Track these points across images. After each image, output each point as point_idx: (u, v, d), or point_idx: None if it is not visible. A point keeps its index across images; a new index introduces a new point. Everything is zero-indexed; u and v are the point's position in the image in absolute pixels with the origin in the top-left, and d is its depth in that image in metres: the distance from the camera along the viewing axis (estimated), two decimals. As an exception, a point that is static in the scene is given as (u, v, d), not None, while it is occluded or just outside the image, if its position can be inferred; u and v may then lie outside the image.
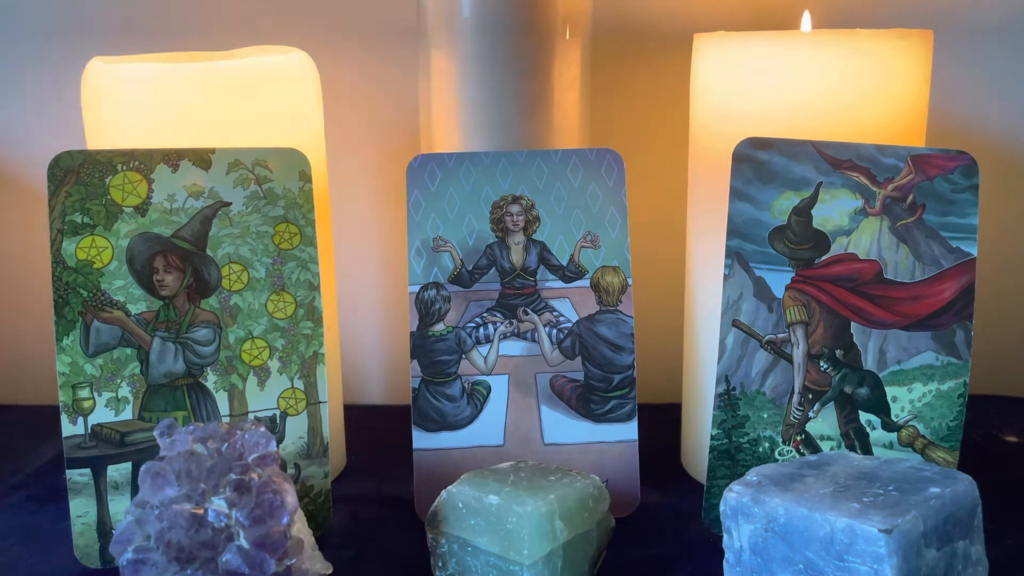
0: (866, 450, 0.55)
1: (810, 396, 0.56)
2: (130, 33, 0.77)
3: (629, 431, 0.59)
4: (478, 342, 0.60)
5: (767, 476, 0.47)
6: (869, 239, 0.55)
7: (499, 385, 0.60)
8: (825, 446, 0.56)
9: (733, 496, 0.47)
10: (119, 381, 0.55)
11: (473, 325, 0.60)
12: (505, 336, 0.60)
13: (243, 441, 0.48)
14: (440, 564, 0.52)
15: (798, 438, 0.56)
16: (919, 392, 0.54)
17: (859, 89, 0.56)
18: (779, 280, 0.56)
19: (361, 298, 0.81)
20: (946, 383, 0.54)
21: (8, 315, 0.82)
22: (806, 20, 0.63)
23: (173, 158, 0.55)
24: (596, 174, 0.60)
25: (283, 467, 0.56)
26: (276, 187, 0.56)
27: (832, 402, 0.55)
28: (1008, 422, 0.73)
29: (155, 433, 0.49)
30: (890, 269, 0.54)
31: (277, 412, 0.56)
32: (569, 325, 0.60)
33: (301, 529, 0.49)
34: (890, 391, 0.55)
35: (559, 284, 0.60)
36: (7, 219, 0.81)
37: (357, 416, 0.73)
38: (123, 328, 0.55)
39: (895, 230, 0.54)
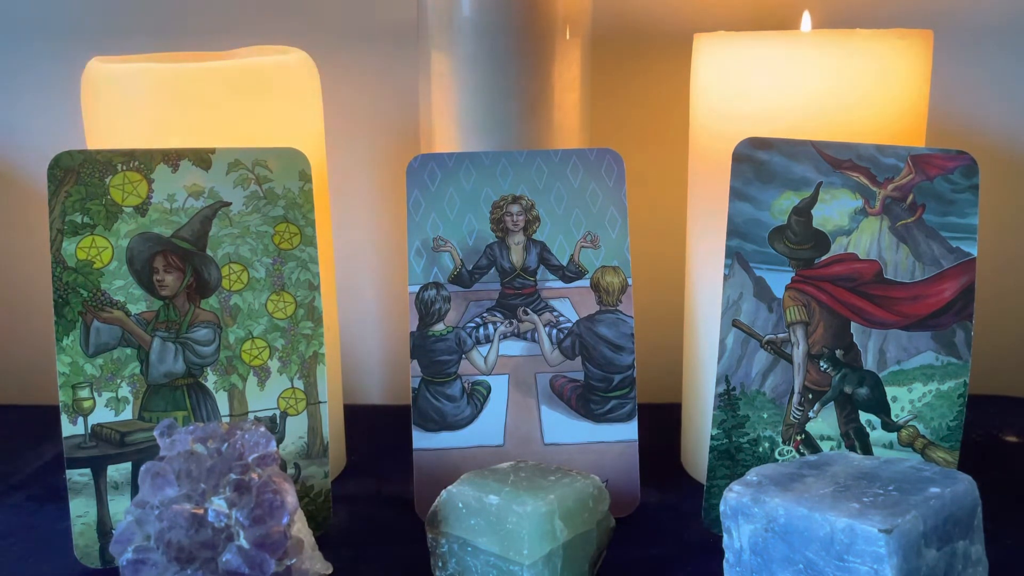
0: (866, 450, 0.55)
1: (810, 396, 0.56)
2: (130, 33, 0.77)
3: (629, 431, 0.59)
4: (478, 342, 0.60)
5: (767, 476, 0.47)
6: (869, 239, 0.55)
7: (499, 385, 0.60)
8: (825, 446, 0.56)
9: (733, 496, 0.47)
10: (119, 381, 0.55)
11: (473, 325, 0.60)
12: (505, 336, 0.60)
13: (243, 441, 0.48)
14: (440, 564, 0.52)
15: (798, 438, 0.56)
16: (919, 392, 0.54)
17: (859, 89, 0.56)
18: (779, 280, 0.56)
19: (361, 298, 0.81)
20: (946, 383, 0.54)
21: (8, 315, 0.82)
22: (806, 20, 0.63)
23: (173, 158, 0.55)
24: (596, 174, 0.60)
25: (283, 467, 0.56)
26: (276, 187, 0.56)
27: (832, 402, 0.55)
28: (1008, 422, 0.73)
29: (155, 433, 0.49)
30: (890, 269, 0.54)
31: (277, 412, 0.56)
32: (569, 325, 0.60)
33: (301, 529, 0.49)
34: (890, 391, 0.55)
35: (559, 284, 0.60)
36: (7, 219, 0.81)
37: (357, 416, 0.73)
38: (123, 328, 0.55)
39: (895, 230, 0.54)
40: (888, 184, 0.54)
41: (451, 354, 0.60)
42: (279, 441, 0.56)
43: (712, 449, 0.56)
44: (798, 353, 0.56)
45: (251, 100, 0.58)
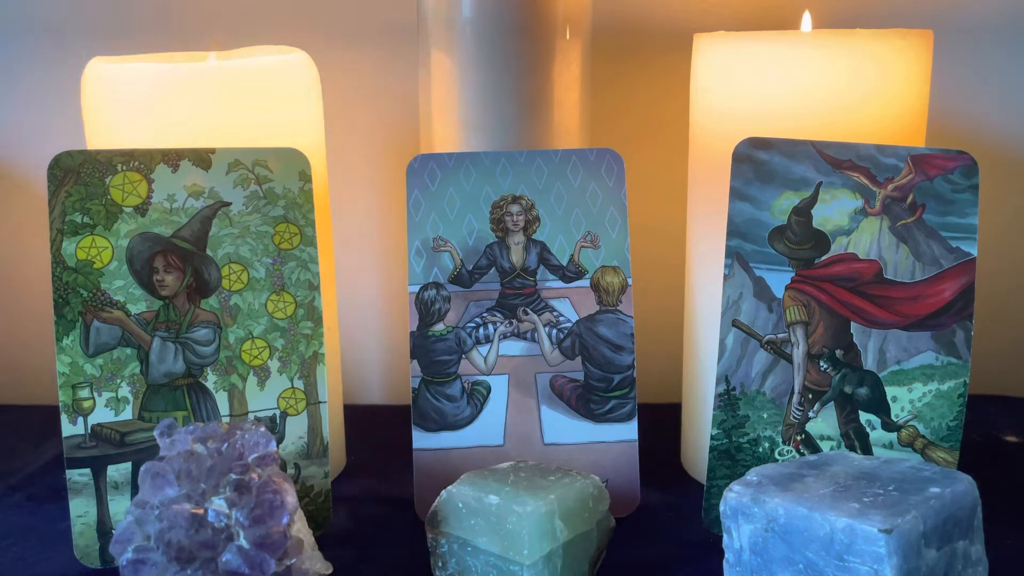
0: (866, 450, 0.55)
1: (810, 396, 0.56)
2: (130, 33, 0.77)
3: (629, 431, 0.59)
4: (478, 342, 0.60)
5: (767, 476, 0.47)
6: (869, 239, 0.55)
7: (499, 385, 0.60)
8: (825, 446, 0.56)
9: (733, 496, 0.47)
10: (119, 381, 0.55)
11: (473, 325, 0.60)
12: (505, 336, 0.60)
13: (243, 441, 0.48)
14: (440, 564, 0.52)
15: (798, 438, 0.56)
16: (919, 392, 0.54)
17: (859, 89, 0.56)
18: (779, 280, 0.56)
19: (361, 298, 0.81)
20: (946, 383, 0.54)
21: (8, 315, 0.82)
22: (806, 20, 0.63)
23: (173, 158, 0.55)
24: (596, 174, 0.60)
25: (283, 467, 0.56)
26: (276, 187, 0.56)
27: (832, 402, 0.55)
28: (1008, 422, 0.73)
29: (155, 433, 0.49)
30: (890, 269, 0.54)
31: (277, 412, 0.56)
32: (569, 325, 0.60)
33: (301, 529, 0.49)
34: (890, 391, 0.55)
35: (559, 284, 0.60)
36: (7, 219, 0.81)
37: (357, 416, 0.73)
38: (123, 328, 0.55)
39: (895, 230, 0.54)
40: (888, 184, 0.54)
41: (451, 354, 0.60)
42: (279, 441, 0.56)
43: (712, 449, 0.56)
44: (798, 353, 0.56)
45: (251, 100, 0.59)
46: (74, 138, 0.65)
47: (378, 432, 0.73)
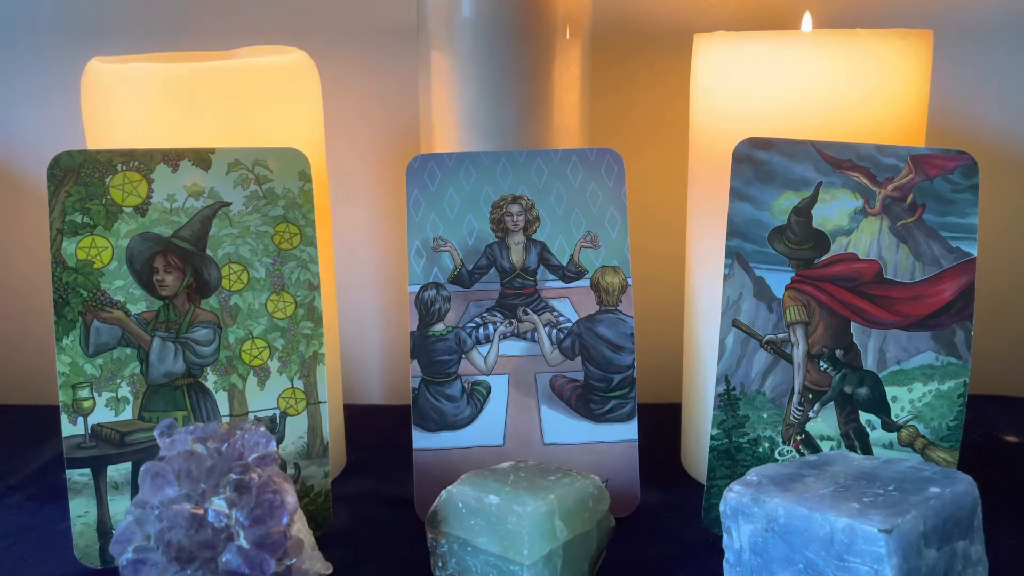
0: (866, 450, 0.55)
1: (810, 396, 0.56)
2: (130, 33, 0.77)
3: (629, 431, 0.59)
4: (478, 342, 0.60)
5: (767, 476, 0.47)
6: (869, 239, 0.55)
7: (499, 385, 0.60)
8: (825, 446, 0.56)
9: (733, 496, 0.47)
10: (119, 381, 0.55)
11: (473, 325, 0.60)
12: (505, 336, 0.60)
13: (243, 441, 0.48)
14: (440, 564, 0.52)
15: (798, 438, 0.56)
16: (919, 392, 0.54)
17: (859, 89, 0.56)
18: (779, 280, 0.56)
19: (361, 298, 0.81)
20: (946, 383, 0.54)
21: (8, 315, 0.82)
22: (807, 21, 0.63)
23: (173, 158, 0.55)
24: (596, 174, 0.60)
25: (283, 467, 0.56)
26: (276, 187, 0.56)
27: (832, 402, 0.55)
28: (1008, 422, 0.73)
29: (155, 433, 0.49)
30: (890, 269, 0.54)
31: (277, 412, 0.56)
32: (569, 325, 0.60)
33: (301, 529, 0.49)
34: (890, 391, 0.55)
35: (559, 284, 0.60)
36: (7, 219, 0.81)
37: (357, 416, 0.73)
38: (123, 328, 0.55)
39: (895, 230, 0.54)
40: (888, 184, 0.54)
41: (451, 354, 0.60)
42: (279, 441, 0.56)
43: (712, 449, 0.56)
44: (798, 353, 0.56)
45: (251, 100, 0.59)
46: (74, 138, 0.65)
47: (378, 432, 0.73)
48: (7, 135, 0.79)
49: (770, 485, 0.46)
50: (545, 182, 0.60)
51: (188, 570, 0.46)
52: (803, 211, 0.55)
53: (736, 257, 0.56)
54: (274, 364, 0.56)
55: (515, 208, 0.60)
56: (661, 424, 0.69)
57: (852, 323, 0.55)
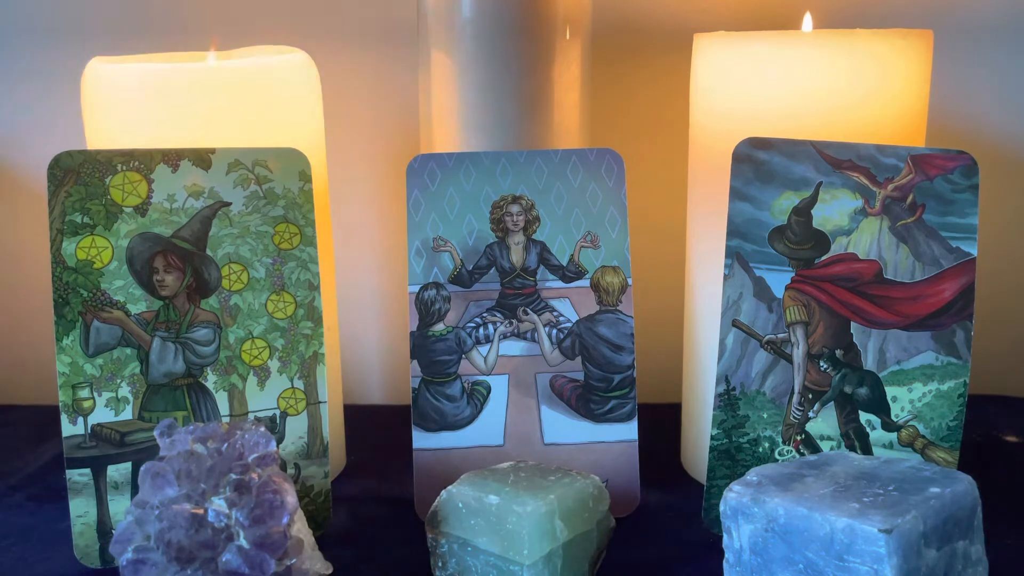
0: (866, 450, 0.55)
1: (810, 396, 0.56)
2: (130, 33, 0.77)
3: (629, 431, 0.59)
4: (478, 342, 0.60)
5: (767, 476, 0.47)
6: (869, 239, 0.55)
7: (499, 385, 0.60)
8: (825, 446, 0.55)
9: (733, 496, 0.47)
10: (119, 381, 0.55)
11: (473, 325, 0.60)
12: (505, 336, 0.60)
13: (243, 441, 0.48)
14: (440, 564, 0.52)
15: (798, 438, 0.56)
16: (919, 392, 0.54)
17: (859, 89, 0.56)
18: (779, 280, 0.56)
19: (361, 298, 0.81)
20: (946, 383, 0.54)
21: (8, 315, 0.82)
22: (807, 22, 0.63)
23: (173, 158, 0.55)
24: (596, 174, 0.60)
25: (283, 467, 0.56)
26: (276, 187, 0.56)
27: (832, 402, 0.55)
28: (1008, 422, 0.73)
29: (155, 433, 0.49)
30: (890, 269, 0.54)
31: (277, 412, 0.56)
32: (569, 325, 0.60)
33: (301, 529, 0.49)
34: (890, 391, 0.55)
35: (559, 284, 0.60)
36: (7, 219, 0.81)
37: (357, 416, 0.73)
38: (123, 328, 0.55)
39: (895, 230, 0.54)
40: (888, 184, 0.54)
41: (451, 354, 0.60)
42: (279, 441, 0.56)
43: (712, 449, 0.56)
44: (798, 353, 0.56)
45: (251, 100, 0.59)
46: (74, 138, 0.65)
47: (378, 432, 0.73)
48: (7, 135, 0.79)
49: (770, 485, 0.46)
50: (545, 182, 0.60)
51: (188, 570, 0.46)
52: (803, 211, 0.55)
53: (736, 257, 0.56)
54: (274, 364, 0.56)
55: (515, 208, 0.60)
56: (661, 424, 0.69)
57: (852, 323, 0.55)
